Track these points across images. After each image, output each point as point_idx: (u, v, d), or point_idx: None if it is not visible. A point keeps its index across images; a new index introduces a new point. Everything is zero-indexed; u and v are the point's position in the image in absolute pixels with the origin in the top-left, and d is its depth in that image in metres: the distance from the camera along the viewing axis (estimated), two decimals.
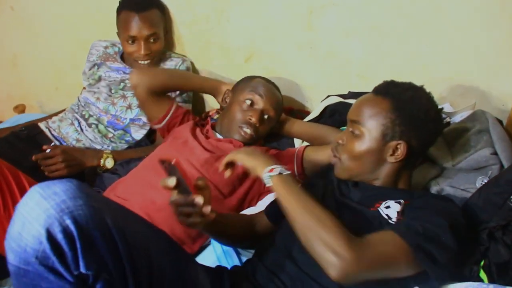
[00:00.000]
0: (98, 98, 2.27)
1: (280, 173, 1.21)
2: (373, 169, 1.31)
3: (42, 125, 2.32)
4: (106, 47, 2.38)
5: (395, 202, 1.22)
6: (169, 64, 2.25)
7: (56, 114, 2.46)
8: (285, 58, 2.14)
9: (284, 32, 2.08)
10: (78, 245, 0.89)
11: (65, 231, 0.88)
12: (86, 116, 2.28)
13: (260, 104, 1.80)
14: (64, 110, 2.45)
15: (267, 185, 1.22)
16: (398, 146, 1.27)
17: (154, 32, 2.13)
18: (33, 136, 2.26)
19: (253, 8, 2.10)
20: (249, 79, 1.91)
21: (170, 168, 1.18)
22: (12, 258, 0.90)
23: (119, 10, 2.18)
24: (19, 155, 2.08)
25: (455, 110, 1.77)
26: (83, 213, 0.91)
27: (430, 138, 1.34)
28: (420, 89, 1.34)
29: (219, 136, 1.88)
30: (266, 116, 1.81)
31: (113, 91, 2.26)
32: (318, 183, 1.46)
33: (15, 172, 1.55)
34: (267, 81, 1.90)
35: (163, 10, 2.26)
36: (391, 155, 1.28)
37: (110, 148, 2.22)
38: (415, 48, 1.85)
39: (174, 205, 1.20)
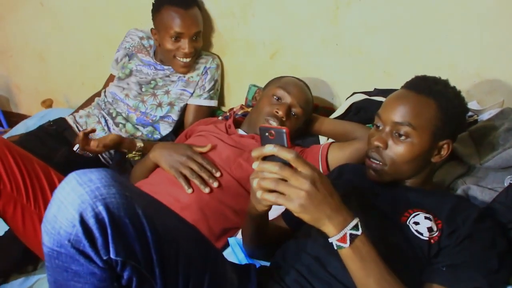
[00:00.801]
0: (127, 95, 2.28)
1: (351, 241, 0.99)
2: (419, 171, 1.31)
3: (70, 120, 2.34)
4: (141, 38, 2.38)
5: (425, 217, 1.20)
6: (200, 62, 2.27)
7: (82, 107, 2.48)
8: (311, 54, 2.14)
9: (310, 28, 2.08)
10: (109, 231, 0.92)
11: (97, 216, 0.91)
12: (114, 115, 2.29)
13: (287, 99, 1.81)
14: (90, 100, 2.48)
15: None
16: (445, 146, 1.28)
17: (199, 30, 2.15)
18: (61, 132, 2.28)
19: (278, 3, 2.10)
20: (279, 78, 1.94)
21: (277, 134, 0.98)
22: (47, 240, 0.93)
23: (158, 5, 2.16)
24: (48, 150, 2.13)
25: (483, 108, 1.75)
26: (116, 201, 0.93)
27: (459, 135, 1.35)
28: (452, 86, 1.33)
29: (242, 132, 1.89)
30: (293, 113, 1.81)
31: (143, 89, 2.27)
32: (350, 180, 1.42)
33: (46, 168, 1.57)
34: (298, 79, 1.91)
35: (200, 7, 2.25)
36: (436, 154, 1.29)
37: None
38: (441, 45, 1.83)
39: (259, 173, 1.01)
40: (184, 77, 2.25)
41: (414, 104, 1.26)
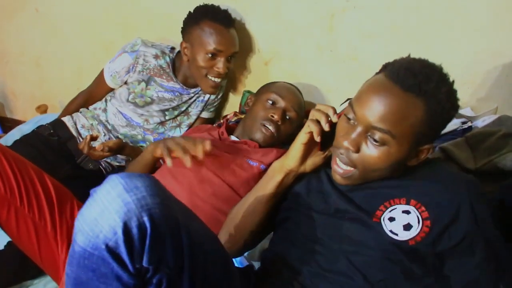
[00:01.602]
0: (146, 120, 2.19)
1: None
2: (392, 172, 1.15)
3: (71, 128, 2.22)
4: (156, 57, 2.13)
5: (403, 211, 1.11)
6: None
7: (70, 107, 2.36)
8: (306, 61, 2.15)
9: (305, 35, 2.09)
10: (147, 241, 0.91)
11: (141, 226, 0.90)
12: (123, 137, 2.21)
13: (281, 103, 1.83)
14: (78, 101, 2.35)
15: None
16: (424, 150, 1.13)
17: (236, 51, 2.07)
18: (64, 143, 2.18)
19: (274, 10, 2.11)
20: (272, 83, 1.97)
21: None
22: (81, 240, 0.92)
23: (198, 19, 2.04)
24: (51, 166, 1.97)
25: (477, 115, 1.76)
26: (160, 212, 0.92)
27: None
28: (447, 82, 1.11)
29: (234, 139, 1.90)
30: (287, 117, 1.83)
31: (167, 117, 2.21)
32: (319, 173, 1.32)
33: (40, 172, 1.55)
34: (290, 84, 1.95)
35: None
36: (413, 157, 1.14)
37: None
38: (435, 51, 1.83)
39: None
40: (204, 97, 2.23)
41: (398, 107, 1.05)
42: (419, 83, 1.05)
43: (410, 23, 1.84)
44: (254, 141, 1.83)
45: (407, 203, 1.12)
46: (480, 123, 1.71)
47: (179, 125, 2.22)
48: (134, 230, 0.89)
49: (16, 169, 1.47)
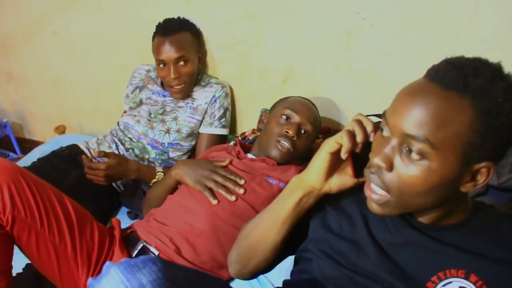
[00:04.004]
0: (138, 121, 2.29)
1: None
2: (439, 203, 0.91)
3: (82, 146, 2.37)
4: (148, 71, 2.42)
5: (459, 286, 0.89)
6: (209, 91, 2.26)
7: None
8: (323, 79, 2.14)
9: (322, 52, 2.08)
10: None
11: None
12: (124, 141, 2.32)
13: (296, 118, 1.81)
14: None
15: None
16: (483, 170, 0.86)
17: (182, 55, 2.12)
18: (74, 156, 2.31)
19: (290, 29, 2.11)
20: (285, 98, 1.95)
21: None
22: None
23: (153, 37, 2.20)
24: (60, 174, 2.17)
25: None
26: None
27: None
28: (505, 75, 0.86)
29: (251, 156, 1.89)
30: (303, 131, 1.81)
31: (152, 115, 2.29)
32: (353, 214, 1.08)
33: (59, 195, 1.56)
34: (303, 98, 1.93)
35: (196, 33, 2.26)
36: (468, 182, 0.87)
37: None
38: None
39: None
40: (193, 103, 2.26)
41: (436, 108, 0.82)
42: (464, 78, 0.82)
43: (427, 40, 1.83)
44: (271, 159, 1.82)
45: (466, 278, 0.90)
46: None
47: (168, 131, 2.24)
48: None
49: (36, 192, 1.48)
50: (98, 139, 2.41)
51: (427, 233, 0.95)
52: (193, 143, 2.31)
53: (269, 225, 1.11)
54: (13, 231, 1.43)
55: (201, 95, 2.26)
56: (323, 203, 1.10)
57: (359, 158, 0.98)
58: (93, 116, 2.99)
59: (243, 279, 1.28)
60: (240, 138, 2.19)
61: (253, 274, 1.23)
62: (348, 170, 1.02)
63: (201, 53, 2.29)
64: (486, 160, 0.84)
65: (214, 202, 1.66)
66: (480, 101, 0.81)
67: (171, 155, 2.28)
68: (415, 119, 0.83)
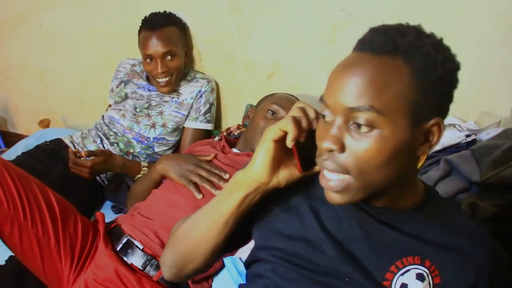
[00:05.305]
0: (123, 115, 2.28)
1: None
2: (400, 174, 0.86)
3: (66, 140, 2.36)
4: (133, 65, 2.41)
5: (417, 275, 0.88)
6: (194, 86, 2.27)
7: None
8: (308, 75, 2.15)
9: (307, 48, 2.09)
10: None
11: None
12: (109, 135, 2.31)
13: (282, 113, 1.82)
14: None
15: None
16: (434, 128, 0.84)
17: (169, 50, 2.13)
18: (58, 150, 2.31)
19: (276, 24, 2.12)
20: (271, 94, 1.97)
21: None
22: None
23: (139, 31, 2.20)
24: (44, 168, 2.16)
25: (480, 128, 1.76)
26: None
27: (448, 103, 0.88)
28: (429, 33, 0.88)
29: (237, 151, 1.89)
30: None
31: (138, 109, 2.28)
32: (303, 211, 1.00)
33: (43, 188, 1.56)
34: (290, 95, 1.95)
35: (182, 28, 2.27)
36: (422, 144, 0.85)
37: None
38: None
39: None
40: (178, 98, 2.26)
41: (372, 74, 0.80)
42: (392, 39, 0.82)
43: None
44: None
45: (422, 264, 0.90)
46: (484, 136, 1.70)
47: (153, 126, 2.24)
48: None
49: (19, 185, 1.48)
50: (82, 133, 2.40)
51: (382, 220, 0.92)
52: (178, 137, 2.31)
53: (210, 224, 1.01)
54: None
55: (187, 90, 2.26)
56: (268, 204, 1.02)
57: (304, 152, 0.92)
58: (77, 110, 2.97)
59: (178, 282, 1.21)
60: (225, 133, 2.20)
61: (190, 276, 1.16)
62: (295, 161, 0.94)
63: (187, 48, 2.30)
64: (434, 117, 0.83)
65: (199, 196, 1.67)
66: (413, 58, 0.81)
67: (156, 149, 2.28)
68: (354, 91, 0.80)
